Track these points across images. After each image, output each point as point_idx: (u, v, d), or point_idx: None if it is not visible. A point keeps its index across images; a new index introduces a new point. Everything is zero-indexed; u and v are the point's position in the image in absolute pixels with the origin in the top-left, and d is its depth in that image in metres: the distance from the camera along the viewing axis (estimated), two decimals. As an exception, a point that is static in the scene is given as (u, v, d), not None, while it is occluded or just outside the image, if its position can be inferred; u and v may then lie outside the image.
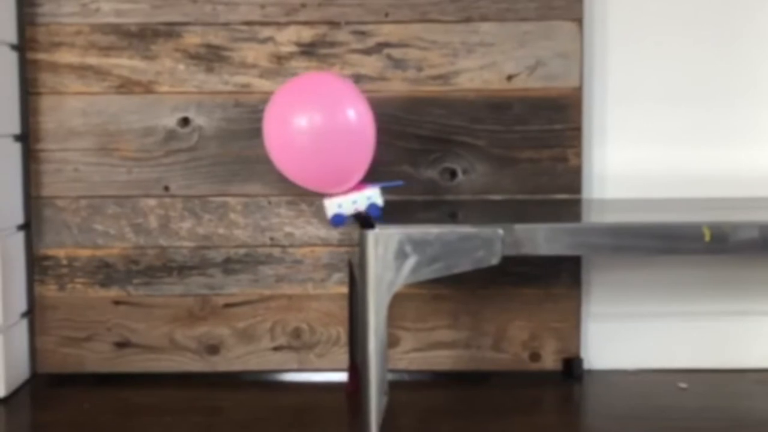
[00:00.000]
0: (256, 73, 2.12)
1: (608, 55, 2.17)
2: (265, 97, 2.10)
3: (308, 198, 2.14)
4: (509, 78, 2.13)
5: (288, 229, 2.15)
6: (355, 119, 1.77)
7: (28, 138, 2.13)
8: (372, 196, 1.81)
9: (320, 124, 1.73)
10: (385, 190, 1.83)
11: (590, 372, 2.18)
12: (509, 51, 2.12)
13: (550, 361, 2.18)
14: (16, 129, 2.10)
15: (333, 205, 1.81)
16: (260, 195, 2.15)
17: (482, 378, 2.15)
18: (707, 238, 1.67)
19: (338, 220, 1.81)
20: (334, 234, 2.15)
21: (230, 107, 2.13)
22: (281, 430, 1.84)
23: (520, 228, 1.65)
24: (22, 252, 2.13)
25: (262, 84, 2.12)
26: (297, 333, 2.17)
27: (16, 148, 2.10)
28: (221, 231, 2.15)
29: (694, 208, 2.03)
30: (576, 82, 2.12)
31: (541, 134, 2.13)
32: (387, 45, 2.12)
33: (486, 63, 2.12)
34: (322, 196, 1.81)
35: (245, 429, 1.85)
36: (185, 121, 2.13)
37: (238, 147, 2.13)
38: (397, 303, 1.68)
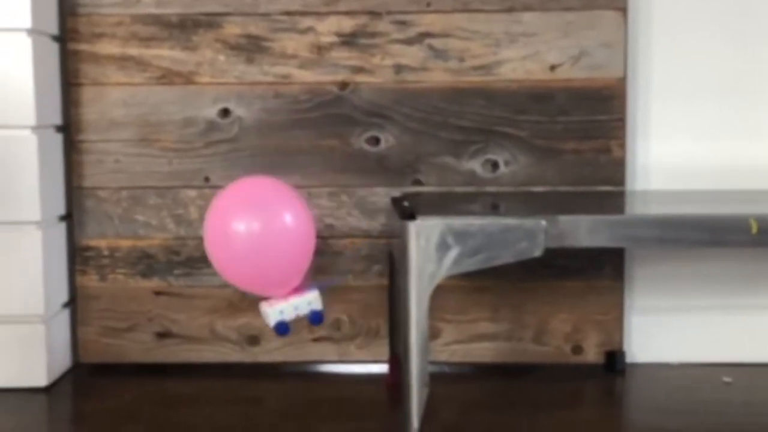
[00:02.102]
0: (296, 63, 2.12)
1: (653, 44, 2.14)
2: (306, 87, 2.11)
3: (349, 189, 2.13)
4: (552, 68, 2.10)
5: (328, 220, 2.14)
6: (292, 224, 1.77)
7: (69, 129, 2.14)
8: (312, 301, 1.79)
9: (258, 230, 1.74)
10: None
11: (633, 365, 2.16)
12: (552, 41, 2.09)
13: (592, 354, 2.15)
14: (57, 120, 2.11)
15: (275, 312, 1.77)
16: (300, 186, 2.13)
17: (523, 371, 2.14)
18: (754, 230, 1.64)
19: (283, 329, 1.77)
20: (375, 225, 2.14)
21: (270, 98, 2.13)
22: (321, 421, 1.84)
23: (563, 219, 1.63)
24: (64, 242, 2.14)
25: (302, 75, 2.11)
26: (337, 324, 2.16)
27: (57, 139, 2.11)
28: (261, 222, 2.15)
29: (740, 200, 1.99)
30: (620, 72, 2.09)
31: (585, 125, 2.10)
32: (429, 35, 2.10)
33: (529, 53, 2.10)
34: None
35: (285, 419, 1.84)
36: (225, 112, 2.13)
37: (277, 138, 2.13)
38: (438, 295, 1.67)
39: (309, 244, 1.81)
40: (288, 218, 1.77)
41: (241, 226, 1.75)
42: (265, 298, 1.79)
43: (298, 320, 1.78)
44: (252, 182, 1.89)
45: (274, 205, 1.78)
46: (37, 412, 1.92)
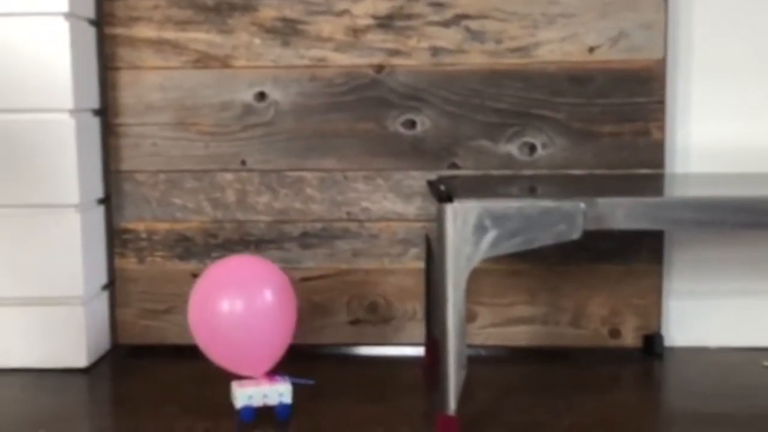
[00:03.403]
0: (332, 46, 2.11)
1: (693, 26, 2.11)
2: (342, 70, 2.10)
3: (385, 173, 2.13)
4: (591, 50, 2.08)
5: (364, 203, 2.14)
6: (271, 305, 1.76)
7: (106, 112, 2.15)
8: (284, 393, 1.75)
9: (239, 309, 1.72)
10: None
11: (671, 349, 2.15)
12: (591, 22, 2.07)
13: (630, 337, 2.14)
14: (95, 104, 2.12)
15: (244, 396, 1.73)
16: (336, 170, 2.14)
17: (560, 354, 2.13)
18: (796, 213, 1.61)
19: (246, 415, 1.72)
20: (411, 209, 2.13)
21: (306, 81, 2.12)
22: (359, 402, 1.85)
23: (602, 202, 1.62)
24: (102, 226, 2.16)
25: (338, 58, 2.11)
26: (373, 307, 2.17)
27: (95, 123, 2.13)
28: (298, 205, 2.15)
29: (781, 183, 1.97)
30: (660, 53, 2.07)
31: (623, 107, 2.08)
32: (465, 17, 2.09)
33: (567, 34, 2.08)
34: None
35: (322, 401, 1.85)
36: (261, 96, 2.13)
37: (314, 121, 2.13)
38: (475, 278, 1.66)
39: (289, 323, 1.80)
40: (269, 296, 1.76)
41: (221, 304, 1.73)
42: (238, 377, 1.77)
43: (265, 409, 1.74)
44: (237, 262, 1.88)
45: (254, 287, 1.77)
46: (77, 392, 1.94)
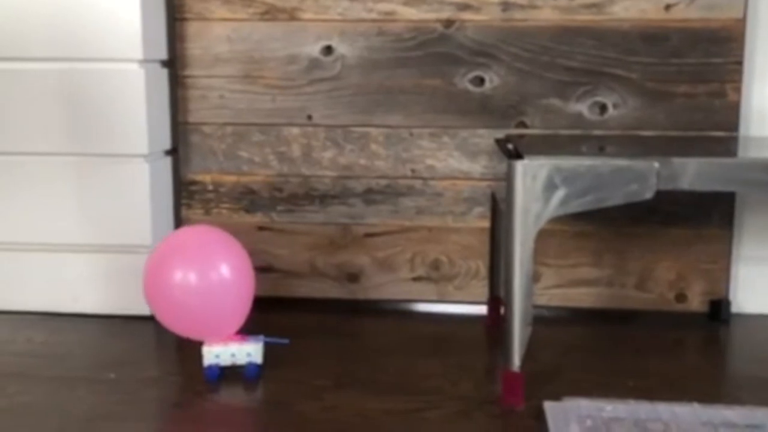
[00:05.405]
0: (401, 0, 2.09)
1: (774, -16, 2.06)
2: (410, 25, 2.08)
3: (451, 131, 2.11)
4: (667, 8, 2.03)
5: (429, 161, 2.13)
6: (227, 274, 1.73)
7: (174, 64, 2.16)
8: (252, 352, 1.72)
9: (193, 279, 1.70)
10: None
11: (738, 315, 2.11)
12: (667, -21, 2.03)
13: (696, 302, 2.11)
14: (163, 55, 2.13)
15: (210, 355, 1.72)
16: (402, 126, 2.13)
17: (625, 317, 2.11)
18: None
19: (211, 374, 1.71)
20: (477, 167, 2.12)
21: (373, 36, 2.11)
22: (420, 357, 1.85)
23: (676, 161, 1.58)
24: (170, 177, 2.18)
25: (406, 12, 2.09)
26: (436, 265, 2.16)
27: (163, 74, 2.14)
28: (362, 161, 2.15)
29: None
30: (739, 12, 2.01)
31: (699, 68, 2.04)
32: (538, -28, 2.06)
33: (642, -8, 2.04)
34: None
35: (384, 355, 1.86)
36: (328, 50, 2.12)
37: (380, 77, 2.12)
38: (540, 239, 1.64)
39: (246, 293, 1.78)
40: (224, 270, 1.74)
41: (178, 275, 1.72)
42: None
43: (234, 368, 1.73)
44: (190, 232, 1.88)
45: (209, 256, 1.75)
46: (144, 338, 1.97)
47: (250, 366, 1.73)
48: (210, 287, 1.71)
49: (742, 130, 2.06)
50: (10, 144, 2.05)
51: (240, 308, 1.77)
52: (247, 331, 1.76)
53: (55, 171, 2.06)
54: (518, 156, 1.62)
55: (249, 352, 1.73)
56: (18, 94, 2.03)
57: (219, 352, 1.72)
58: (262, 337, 1.75)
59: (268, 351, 1.77)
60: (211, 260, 1.74)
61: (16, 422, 1.55)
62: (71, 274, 2.10)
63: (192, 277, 1.71)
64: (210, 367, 1.72)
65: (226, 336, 1.74)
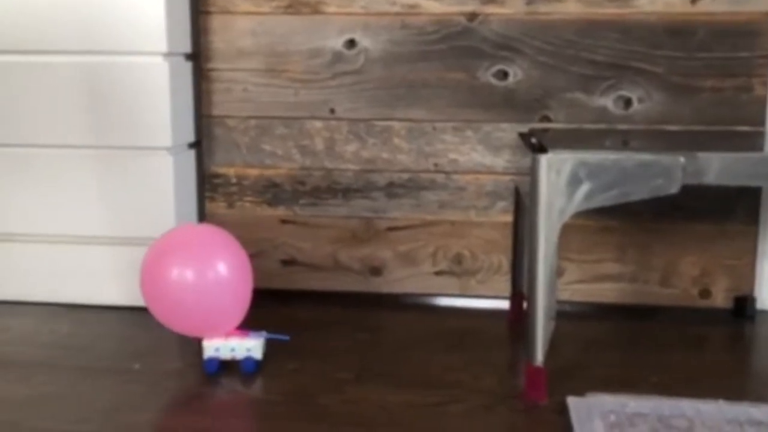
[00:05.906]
0: (425, -6, 2.09)
1: (801, -23, 2.03)
2: (433, 18, 2.08)
3: (474, 125, 2.11)
4: (693, 1, 2.01)
5: (452, 155, 2.13)
6: (225, 273, 1.73)
7: (199, 57, 2.16)
8: (252, 348, 1.73)
9: (190, 277, 1.70)
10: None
11: (763, 312, 2.10)
12: (693, -27, 2.01)
13: (720, 298, 2.10)
14: (187, 48, 2.13)
15: (210, 348, 1.73)
16: (425, 120, 2.12)
17: (648, 312, 2.10)
18: None
19: (210, 367, 1.72)
20: (499, 162, 2.11)
21: (396, 29, 2.11)
22: (442, 351, 1.85)
23: (702, 156, 1.57)
24: (194, 169, 2.18)
25: (430, 5, 2.08)
26: (458, 259, 2.16)
27: (187, 67, 2.14)
28: (385, 155, 2.15)
29: None
30: (766, 6, 1.99)
31: (726, 62, 2.02)
32: (563, -35, 2.05)
33: (668, -15, 2.02)
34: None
35: (406, 349, 1.86)
36: (351, 43, 2.12)
37: (403, 70, 2.11)
38: (563, 234, 1.63)
39: (244, 290, 1.78)
40: (221, 268, 1.73)
41: (173, 273, 1.71)
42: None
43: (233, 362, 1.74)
44: (188, 231, 1.87)
45: (207, 255, 1.75)
46: (166, 330, 1.97)
47: (247, 361, 1.74)
48: (206, 285, 1.72)
49: (769, 125, 2.05)
50: (35, 137, 2.07)
51: (236, 307, 1.77)
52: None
53: (79, 163, 2.07)
54: (543, 150, 1.61)
55: (249, 347, 1.74)
56: (43, 87, 2.04)
57: (219, 346, 1.74)
58: (264, 333, 1.77)
59: (293, 344, 1.77)
60: (208, 258, 1.74)
61: (40, 411, 1.57)
62: (96, 266, 2.11)
63: (188, 275, 1.71)
64: (210, 360, 1.74)
65: (226, 331, 1.76)
